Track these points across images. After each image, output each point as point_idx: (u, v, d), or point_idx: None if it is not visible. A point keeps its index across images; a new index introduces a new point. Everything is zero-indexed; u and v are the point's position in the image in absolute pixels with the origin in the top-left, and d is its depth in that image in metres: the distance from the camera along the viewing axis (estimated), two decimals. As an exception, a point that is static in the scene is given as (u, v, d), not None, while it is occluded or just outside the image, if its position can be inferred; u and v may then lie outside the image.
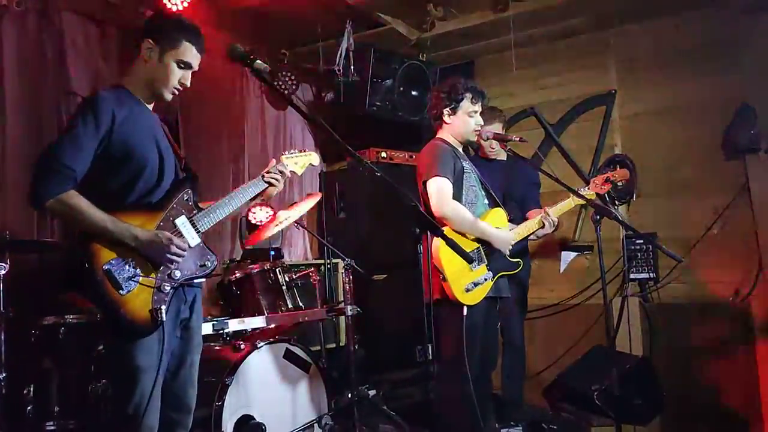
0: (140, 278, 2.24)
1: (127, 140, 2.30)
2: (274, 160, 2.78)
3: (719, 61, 4.46)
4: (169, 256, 2.28)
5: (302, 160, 2.87)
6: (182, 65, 2.43)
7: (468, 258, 2.03)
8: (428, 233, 2.03)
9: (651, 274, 4.56)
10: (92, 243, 2.21)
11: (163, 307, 2.25)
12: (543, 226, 3.47)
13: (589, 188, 3.57)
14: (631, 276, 4.62)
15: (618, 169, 3.82)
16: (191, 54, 2.44)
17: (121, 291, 2.20)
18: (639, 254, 4.59)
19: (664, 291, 4.56)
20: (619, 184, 3.78)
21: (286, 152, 2.87)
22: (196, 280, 2.44)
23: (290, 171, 2.80)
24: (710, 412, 4.19)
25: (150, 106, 2.50)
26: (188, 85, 2.48)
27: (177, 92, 2.47)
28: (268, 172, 2.69)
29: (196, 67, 2.49)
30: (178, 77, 2.43)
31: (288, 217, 3.51)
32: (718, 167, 4.45)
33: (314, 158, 2.93)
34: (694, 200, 4.53)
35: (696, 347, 4.33)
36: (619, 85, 4.89)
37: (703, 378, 4.26)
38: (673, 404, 4.15)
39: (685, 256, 4.41)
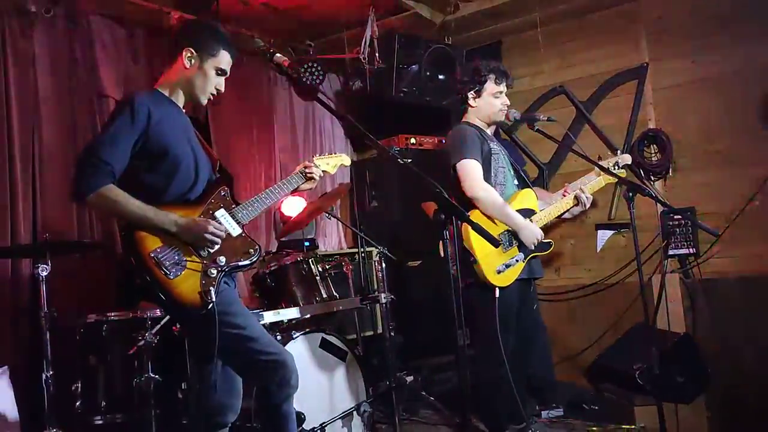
0: (186, 263, 2.34)
1: (163, 138, 2.42)
2: (306, 161, 2.86)
3: (755, 26, 4.29)
4: (207, 236, 2.37)
5: (334, 161, 3.02)
6: (219, 72, 2.57)
7: (494, 242, 2.02)
8: (453, 219, 2.02)
9: (691, 250, 4.47)
10: (137, 232, 2.32)
11: (212, 289, 2.33)
12: (578, 203, 3.42)
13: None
14: (671, 252, 4.53)
15: (620, 154, 3.67)
16: (227, 61, 2.58)
17: (169, 276, 2.30)
18: (678, 230, 4.50)
19: (706, 266, 4.45)
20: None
21: (318, 154, 3.02)
22: (241, 267, 2.52)
23: (322, 171, 2.92)
24: (757, 389, 4.09)
25: (183, 111, 2.62)
26: (222, 90, 2.61)
27: (212, 98, 2.60)
28: (306, 167, 2.80)
29: (228, 74, 2.62)
30: (215, 84, 2.57)
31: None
32: (757, 137, 4.29)
33: (345, 159, 3.09)
34: (733, 172, 4.39)
35: (740, 322, 4.23)
36: (651, 57, 4.75)
37: (749, 355, 4.16)
38: (718, 382, 4.08)
39: (726, 229, 4.31)
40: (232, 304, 2.48)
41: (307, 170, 2.78)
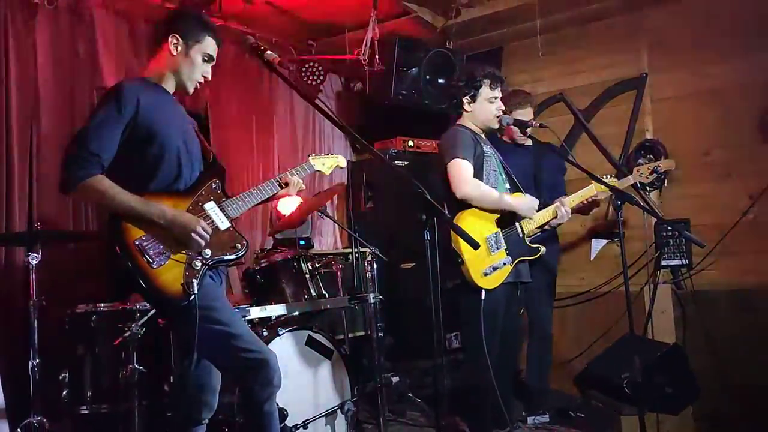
0: (171, 253, 2.34)
1: (151, 123, 2.41)
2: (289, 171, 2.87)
3: (755, 40, 4.30)
4: (193, 237, 2.36)
5: (329, 161, 3.05)
6: (206, 58, 2.56)
7: (473, 244, 2.04)
8: (435, 220, 2.04)
9: (684, 261, 4.47)
10: (122, 222, 2.32)
11: (195, 281, 2.33)
12: (556, 216, 3.44)
13: (631, 177, 3.62)
14: (663, 263, 4.52)
15: (663, 159, 3.73)
16: (213, 47, 2.58)
17: (152, 265, 2.30)
18: (671, 240, 4.50)
19: (698, 278, 4.44)
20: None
21: (313, 154, 3.04)
22: (226, 261, 2.52)
23: (317, 171, 2.97)
24: (746, 402, 4.08)
25: (175, 99, 2.61)
26: (209, 78, 2.60)
27: (199, 85, 2.59)
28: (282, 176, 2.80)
29: (215, 61, 2.61)
30: (202, 71, 2.56)
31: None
32: (753, 151, 4.31)
33: (341, 161, 3.12)
34: (729, 185, 4.40)
35: (731, 335, 4.22)
36: (650, 68, 4.76)
37: (739, 367, 4.15)
38: (707, 394, 4.07)
39: (720, 242, 4.31)
40: (216, 300, 2.46)
41: (282, 180, 2.79)
